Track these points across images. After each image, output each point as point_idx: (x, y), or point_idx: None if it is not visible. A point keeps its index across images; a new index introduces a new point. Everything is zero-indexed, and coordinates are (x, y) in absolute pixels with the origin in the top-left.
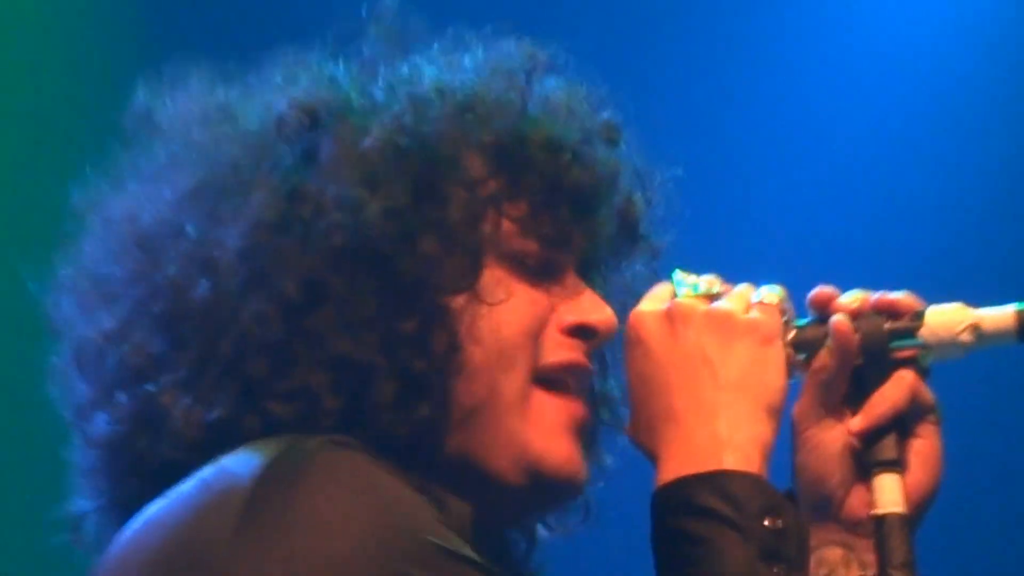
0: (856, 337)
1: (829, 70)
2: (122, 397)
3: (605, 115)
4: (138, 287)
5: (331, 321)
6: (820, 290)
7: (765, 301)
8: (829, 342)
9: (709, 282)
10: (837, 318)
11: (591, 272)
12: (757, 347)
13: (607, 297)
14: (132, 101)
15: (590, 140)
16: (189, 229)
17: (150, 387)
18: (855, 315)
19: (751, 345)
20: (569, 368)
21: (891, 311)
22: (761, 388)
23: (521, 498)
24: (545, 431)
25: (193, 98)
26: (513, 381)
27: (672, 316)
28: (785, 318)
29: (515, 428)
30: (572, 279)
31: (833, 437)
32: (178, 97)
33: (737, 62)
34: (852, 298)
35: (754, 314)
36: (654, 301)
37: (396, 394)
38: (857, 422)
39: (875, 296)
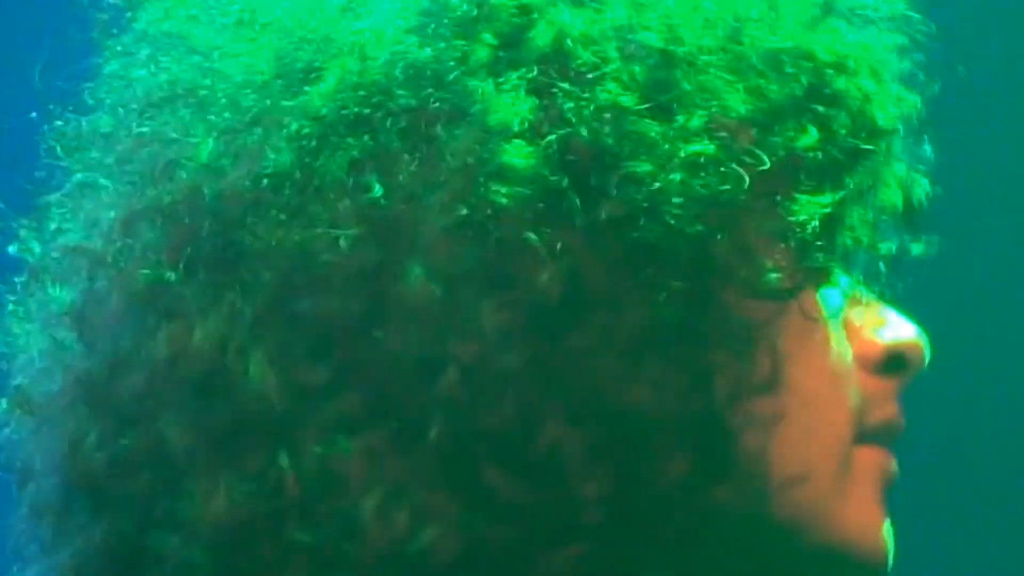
0: None
1: None
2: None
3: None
4: (269, 261)
5: (596, 345)
6: None
7: None
8: None
9: None
10: None
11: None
12: None
13: None
14: None
15: (884, 57)
16: (370, 180)
17: (316, 448)
18: None
19: None
20: (891, 431)
21: None
22: None
23: None
24: (861, 507)
25: None
26: (840, 439)
27: None
28: None
29: (829, 509)
30: (844, 282)
31: None
32: None
33: None
34: None
35: None
36: None
37: (690, 469)
38: None
39: None
